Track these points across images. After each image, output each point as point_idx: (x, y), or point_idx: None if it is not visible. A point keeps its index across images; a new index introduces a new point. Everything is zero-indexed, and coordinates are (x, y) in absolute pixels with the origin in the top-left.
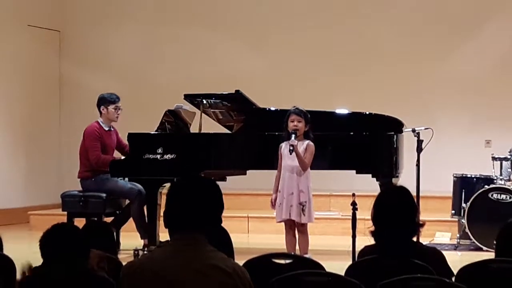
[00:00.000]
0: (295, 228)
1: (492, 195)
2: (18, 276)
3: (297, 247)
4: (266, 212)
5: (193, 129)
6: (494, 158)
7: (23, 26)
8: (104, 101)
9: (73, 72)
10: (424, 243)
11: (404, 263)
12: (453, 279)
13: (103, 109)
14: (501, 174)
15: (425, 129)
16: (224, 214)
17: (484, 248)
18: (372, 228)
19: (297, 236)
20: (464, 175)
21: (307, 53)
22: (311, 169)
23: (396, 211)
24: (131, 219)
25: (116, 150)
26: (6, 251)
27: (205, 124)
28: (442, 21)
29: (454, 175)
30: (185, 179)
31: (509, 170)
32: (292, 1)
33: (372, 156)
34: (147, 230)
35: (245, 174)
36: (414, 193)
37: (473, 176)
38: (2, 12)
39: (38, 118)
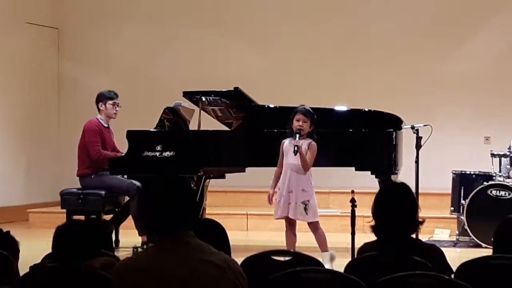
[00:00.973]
0: (295, 226)
1: (491, 192)
2: None
3: (298, 244)
4: (265, 210)
5: (192, 126)
6: (493, 155)
7: (21, 24)
8: (102, 97)
9: (72, 69)
10: (423, 240)
11: (403, 260)
12: (452, 276)
13: (101, 106)
14: (500, 171)
15: (424, 125)
16: (223, 211)
17: (483, 244)
18: (373, 223)
19: (302, 235)
20: (463, 172)
21: (306, 51)
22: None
23: (397, 208)
24: (130, 216)
25: None
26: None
27: (204, 121)
28: (441, 18)
29: (453, 172)
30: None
31: (508, 166)
32: (292, 0)
33: (371, 153)
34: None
35: (244, 171)
36: (413, 190)
37: (472, 172)
38: (0, 9)
39: (37, 116)
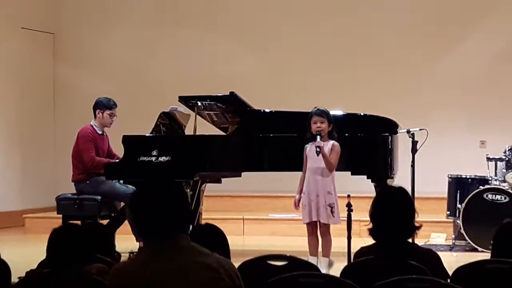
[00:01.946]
0: (317, 230)
1: (487, 196)
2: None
3: (298, 249)
4: (262, 214)
5: (188, 131)
6: (489, 159)
7: (17, 29)
8: (101, 105)
9: (67, 74)
10: (419, 244)
11: (399, 264)
12: (449, 280)
13: (98, 113)
14: (496, 175)
15: (420, 130)
16: (219, 216)
17: (480, 248)
18: (370, 226)
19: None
20: (459, 176)
21: (302, 54)
22: None
23: (394, 212)
24: (126, 221)
25: None
26: (1, 254)
27: (199, 126)
28: (436, 21)
29: (449, 176)
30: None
31: (504, 170)
32: (288, 2)
33: (367, 157)
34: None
35: (240, 176)
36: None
37: (468, 176)
38: None
39: (33, 121)
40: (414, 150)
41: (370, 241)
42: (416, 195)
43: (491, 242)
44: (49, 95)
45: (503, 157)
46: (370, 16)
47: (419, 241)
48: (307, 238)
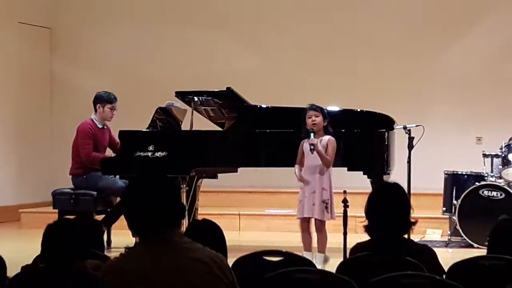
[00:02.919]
0: (310, 226)
1: (483, 192)
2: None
3: (294, 244)
4: (258, 210)
5: (185, 126)
6: (485, 155)
7: (14, 23)
8: (101, 99)
9: (64, 69)
10: (415, 240)
11: (395, 260)
12: (444, 276)
13: (99, 107)
14: (492, 171)
15: (416, 126)
16: (215, 211)
17: (475, 245)
18: (366, 223)
19: (314, 234)
20: (455, 172)
21: (299, 51)
22: None
23: (390, 208)
24: (122, 216)
25: (108, 148)
26: None
27: (196, 121)
28: (434, 18)
29: (445, 172)
30: (137, 180)
31: (500, 167)
32: None
33: (364, 153)
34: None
35: (236, 171)
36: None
37: (464, 173)
38: None
39: (29, 116)
40: (410, 146)
41: (365, 237)
42: (412, 191)
43: (487, 238)
44: (45, 90)
45: (499, 154)
46: (369, 13)
47: (415, 237)
48: (300, 235)
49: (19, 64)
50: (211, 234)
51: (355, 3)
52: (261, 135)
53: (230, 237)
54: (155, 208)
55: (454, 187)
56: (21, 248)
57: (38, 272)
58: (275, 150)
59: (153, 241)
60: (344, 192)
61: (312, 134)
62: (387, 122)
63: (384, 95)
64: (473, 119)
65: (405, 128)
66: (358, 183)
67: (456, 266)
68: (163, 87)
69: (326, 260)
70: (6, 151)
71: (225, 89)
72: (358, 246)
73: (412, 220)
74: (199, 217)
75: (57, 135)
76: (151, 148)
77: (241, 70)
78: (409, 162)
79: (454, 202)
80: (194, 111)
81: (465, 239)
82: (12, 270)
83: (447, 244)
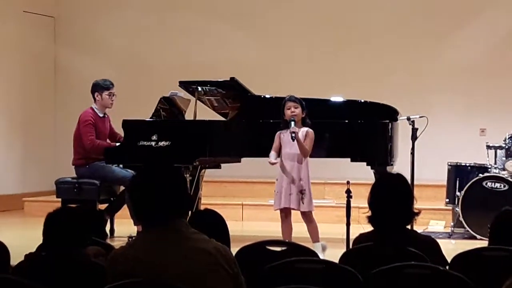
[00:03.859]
0: (290, 216)
1: (486, 184)
2: None
3: (294, 235)
4: (261, 200)
5: (188, 116)
6: (488, 147)
7: (18, 12)
8: (98, 87)
9: (68, 58)
10: (418, 231)
11: (398, 251)
12: (447, 267)
13: (97, 96)
14: (495, 163)
15: (420, 117)
16: (218, 201)
17: (478, 236)
18: (369, 213)
19: (297, 225)
20: (458, 164)
21: (303, 41)
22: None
23: (393, 198)
24: (125, 206)
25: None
26: (0, 237)
27: (200, 111)
28: (437, 7)
29: (449, 164)
30: (146, 169)
31: (504, 158)
32: None
33: (367, 144)
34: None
35: (239, 161)
36: (408, 181)
37: (467, 164)
38: None
39: (33, 105)
40: (414, 137)
41: (369, 227)
42: (415, 182)
43: (488, 229)
44: (49, 79)
45: (503, 145)
46: (370, 3)
47: (418, 228)
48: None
49: (23, 53)
50: (214, 224)
51: None
52: (265, 125)
53: (233, 227)
54: (163, 198)
55: (458, 179)
56: (25, 237)
57: (41, 260)
58: None
59: (159, 231)
60: (348, 182)
61: (293, 123)
62: (391, 113)
63: (388, 86)
64: (477, 111)
65: (408, 119)
66: (362, 174)
67: (459, 257)
68: (167, 77)
69: (324, 248)
70: (10, 140)
71: (228, 79)
72: (361, 237)
73: (415, 211)
74: (202, 207)
75: (61, 124)
76: (154, 137)
77: (245, 60)
78: (412, 153)
79: (458, 193)
80: (198, 101)
81: (468, 231)
82: (15, 258)
83: (450, 235)
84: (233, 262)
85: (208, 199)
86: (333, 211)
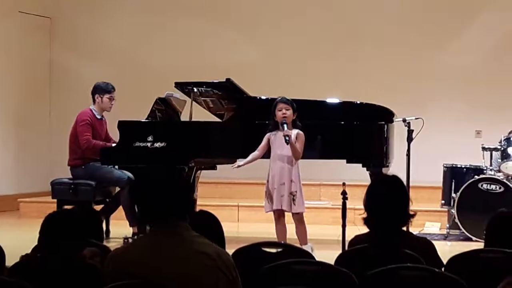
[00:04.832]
0: (284, 218)
1: (482, 185)
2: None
3: (289, 236)
4: (257, 201)
5: (184, 117)
6: (484, 149)
7: (14, 13)
8: (100, 90)
9: (64, 59)
10: (414, 232)
11: (393, 253)
12: (443, 269)
13: (97, 98)
14: (491, 165)
15: (416, 119)
16: (214, 203)
17: (474, 238)
18: (365, 215)
19: (288, 226)
20: (454, 165)
21: (301, 43)
22: (301, 158)
23: (388, 200)
24: (120, 207)
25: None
26: None
27: (195, 112)
28: (435, 10)
29: (444, 165)
30: (152, 171)
31: (499, 160)
32: None
33: (363, 145)
34: (137, 218)
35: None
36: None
37: (463, 166)
38: None
39: (29, 105)
40: (409, 139)
41: (364, 229)
42: (411, 184)
43: (484, 231)
44: (45, 80)
45: (498, 147)
46: (369, 5)
47: (414, 230)
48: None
49: (19, 54)
50: (209, 225)
51: None
52: (260, 126)
53: (229, 229)
54: (165, 199)
55: (453, 180)
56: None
57: (36, 262)
58: None
59: (159, 232)
60: (343, 184)
61: (285, 126)
62: (387, 115)
63: (384, 88)
64: (473, 113)
65: (404, 120)
66: (357, 176)
67: (454, 259)
68: (163, 77)
69: (312, 250)
70: (5, 140)
71: (224, 80)
72: (357, 238)
73: (411, 212)
74: (198, 209)
75: (56, 125)
76: (150, 138)
77: (243, 61)
78: (408, 155)
79: (453, 195)
80: (194, 102)
81: (463, 232)
82: (10, 260)
83: (445, 237)
84: (233, 267)
85: (203, 201)
86: (329, 212)
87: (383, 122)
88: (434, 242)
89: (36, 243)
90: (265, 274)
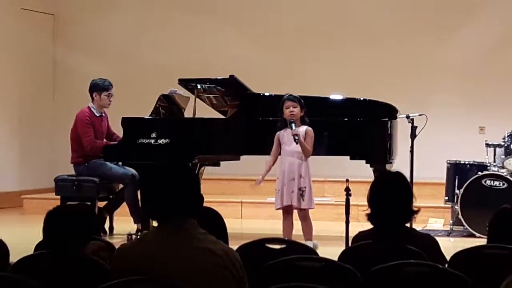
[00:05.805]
0: (292, 214)
1: (485, 182)
2: None
3: (294, 232)
4: (260, 198)
5: (187, 114)
6: (487, 145)
7: (17, 10)
8: (97, 87)
9: (67, 56)
10: (417, 229)
11: (397, 249)
12: (446, 265)
13: (95, 95)
14: (494, 161)
15: (419, 115)
16: (217, 199)
17: (477, 234)
18: (368, 211)
19: (294, 223)
20: (457, 162)
21: (302, 40)
22: None
23: (392, 196)
24: (124, 203)
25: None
26: None
27: (199, 109)
28: (437, 5)
29: (448, 162)
30: (162, 166)
31: (503, 156)
32: None
33: (366, 142)
34: (141, 215)
35: (239, 159)
36: (407, 179)
37: (466, 162)
38: None
39: (32, 102)
40: (413, 135)
41: (368, 225)
42: (414, 180)
43: (487, 227)
44: (48, 76)
45: (502, 143)
46: (370, 2)
47: (417, 226)
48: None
49: (22, 51)
50: (212, 221)
51: None
52: (264, 123)
53: (232, 225)
54: (175, 196)
55: (457, 177)
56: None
57: (40, 258)
58: None
59: (166, 228)
60: (347, 180)
61: (293, 125)
62: (390, 111)
63: (387, 84)
64: (476, 109)
65: (408, 117)
66: (361, 172)
67: (458, 255)
68: (166, 74)
69: (315, 247)
70: (9, 137)
71: (228, 76)
72: (360, 235)
73: (415, 209)
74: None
75: (60, 122)
76: (153, 135)
77: (243, 58)
78: (411, 151)
79: (457, 191)
80: (197, 99)
81: (467, 229)
82: (14, 256)
83: (449, 234)
84: (240, 266)
85: (207, 197)
86: (333, 208)
87: (387, 119)
88: (437, 238)
89: (39, 239)
90: (269, 270)
